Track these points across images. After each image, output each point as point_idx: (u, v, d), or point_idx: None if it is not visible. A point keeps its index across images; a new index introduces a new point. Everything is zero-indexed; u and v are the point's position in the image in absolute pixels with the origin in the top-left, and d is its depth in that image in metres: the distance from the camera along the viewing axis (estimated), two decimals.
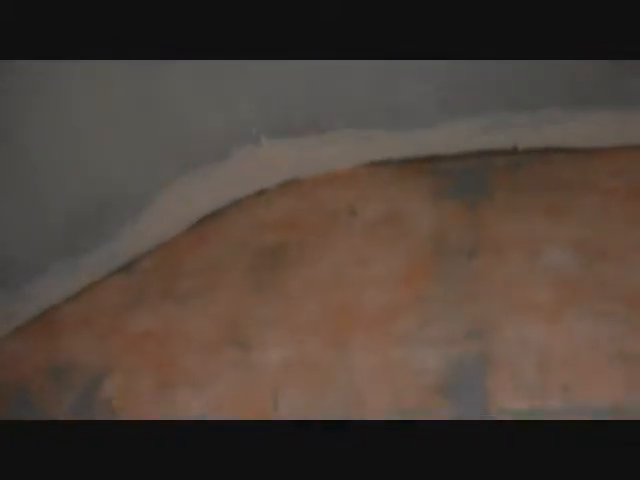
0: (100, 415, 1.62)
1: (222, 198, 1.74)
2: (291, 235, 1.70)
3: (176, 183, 1.65)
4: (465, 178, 1.66)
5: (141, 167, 1.60)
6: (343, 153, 1.69)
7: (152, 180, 1.63)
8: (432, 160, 1.69)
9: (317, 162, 1.71)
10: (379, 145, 1.65)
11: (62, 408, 1.66)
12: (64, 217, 1.63)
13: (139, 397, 1.61)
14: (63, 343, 1.74)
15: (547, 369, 1.43)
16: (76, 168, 1.57)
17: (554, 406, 1.40)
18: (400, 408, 1.47)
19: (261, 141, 1.63)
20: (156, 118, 1.55)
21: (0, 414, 1.69)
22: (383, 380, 1.50)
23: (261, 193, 1.75)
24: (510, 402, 1.42)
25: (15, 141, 1.49)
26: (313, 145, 1.68)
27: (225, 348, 1.61)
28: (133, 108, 1.52)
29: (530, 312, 1.49)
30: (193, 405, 1.57)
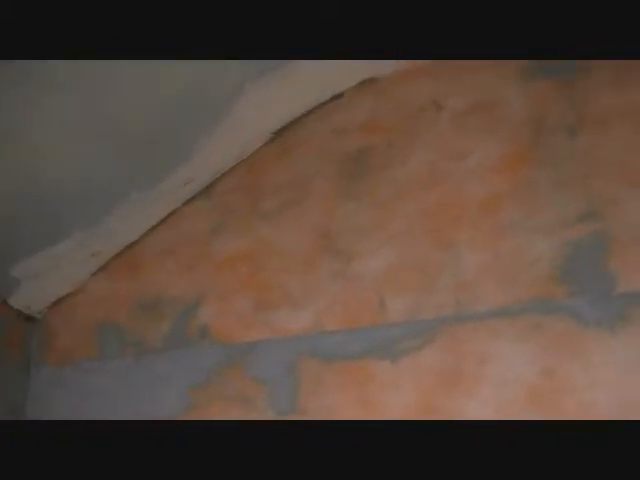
0: (196, 343, 1.57)
1: (300, 104, 1.64)
2: (375, 137, 1.61)
3: (250, 89, 1.55)
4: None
5: (215, 71, 1.51)
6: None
7: (227, 85, 1.54)
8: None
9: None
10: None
11: (156, 340, 1.62)
12: (138, 141, 1.55)
13: (237, 320, 1.56)
14: (150, 277, 1.69)
15: None
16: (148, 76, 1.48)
17: None
18: (516, 299, 1.39)
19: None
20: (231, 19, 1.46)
21: (94, 352, 1.66)
22: (495, 274, 1.42)
23: (339, 96, 1.66)
24: (637, 283, 1.34)
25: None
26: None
27: (322, 261, 1.55)
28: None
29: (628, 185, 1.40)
30: (296, 324, 1.52)
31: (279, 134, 1.68)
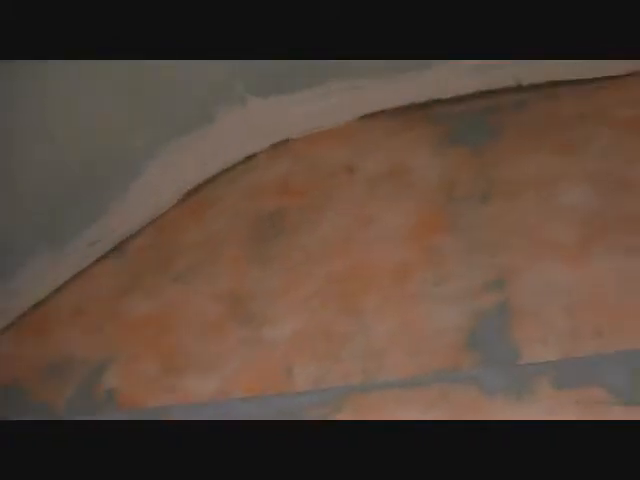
0: (102, 408, 1.53)
1: (212, 166, 1.63)
2: (288, 200, 1.60)
3: (161, 152, 1.54)
4: (467, 121, 1.56)
5: (126, 135, 1.49)
6: (333, 107, 1.58)
7: (137, 149, 1.53)
8: (429, 106, 1.59)
9: (307, 119, 1.61)
10: (373, 94, 1.55)
11: (61, 404, 1.57)
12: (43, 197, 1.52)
13: (144, 385, 1.53)
14: (58, 338, 1.64)
15: (576, 314, 1.35)
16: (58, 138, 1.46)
17: (587, 353, 1.32)
18: (423, 368, 1.39)
19: (247, 101, 1.52)
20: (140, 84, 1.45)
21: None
22: (402, 343, 1.42)
23: (252, 157, 1.65)
24: (540, 353, 1.34)
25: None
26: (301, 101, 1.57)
27: (231, 326, 1.52)
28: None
29: (552, 254, 1.41)
30: (203, 389, 1.49)
31: (191, 194, 1.67)
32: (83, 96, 1.43)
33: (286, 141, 1.64)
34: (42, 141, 1.44)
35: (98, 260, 1.66)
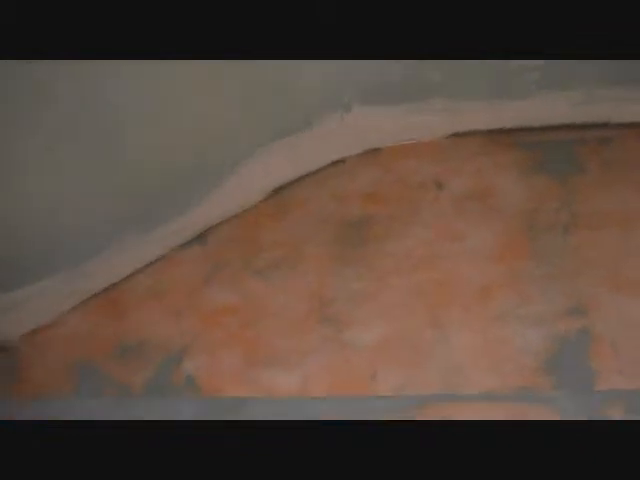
0: (182, 392, 1.58)
1: (302, 167, 1.67)
2: (375, 208, 1.65)
3: (260, 153, 1.59)
4: (555, 151, 1.63)
5: (227, 133, 1.53)
6: (428, 123, 1.64)
7: (238, 149, 1.57)
8: (519, 132, 1.65)
9: (401, 131, 1.66)
10: (470, 115, 1.60)
11: (139, 385, 1.61)
12: (140, 185, 1.55)
13: (225, 375, 1.57)
14: (133, 320, 1.68)
15: None
16: (157, 135, 1.49)
17: None
18: (501, 386, 1.46)
19: (352, 108, 1.57)
20: (244, 84, 1.48)
21: (69, 389, 1.64)
22: (482, 359, 1.49)
23: (341, 162, 1.70)
24: (615, 382, 1.42)
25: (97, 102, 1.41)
26: (397, 114, 1.62)
27: (313, 325, 1.58)
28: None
29: (632, 289, 1.48)
30: (284, 385, 1.54)
31: (278, 192, 1.71)
32: (194, 95, 1.46)
33: (377, 150, 1.70)
34: (151, 135, 1.48)
35: (181, 247, 1.70)
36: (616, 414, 1.39)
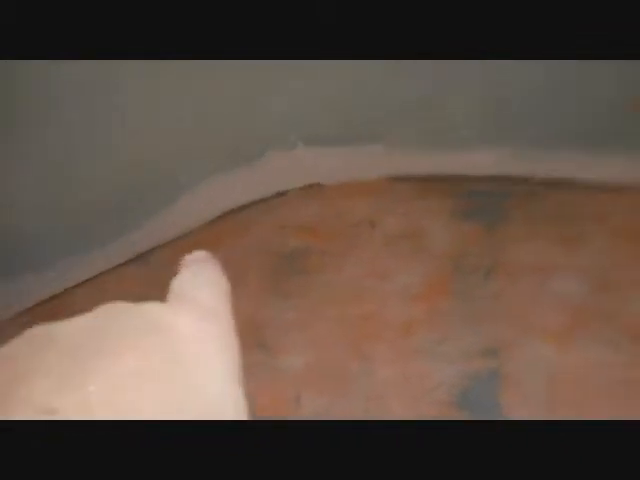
0: None
1: (247, 195, 1.76)
2: (312, 241, 1.75)
3: (204, 178, 1.67)
4: (484, 201, 1.75)
5: (175, 160, 1.61)
6: (367, 164, 1.74)
7: (182, 173, 1.65)
8: (454, 180, 1.77)
9: (341, 171, 1.76)
10: (407, 162, 1.72)
11: None
12: (91, 204, 1.63)
13: None
14: None
15: (555, 388, 1.55)
16: (110, 153, 1.57)
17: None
18: (420, 417, 1.56)
19: (297, 146, 1.67)
20: (199, 115, 1.57)
21: None
22: (403, 390, 1.59)
23: (283, 194, 1.79)
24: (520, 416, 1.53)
25: (50, 122, 1.48)
26: (341, 154, 1.72)
27: (246, 350, 1.65)
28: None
29: (542, 335, 1.60)
30: None
31: (221, 219, 1.80)
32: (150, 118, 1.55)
33: (320, 186, 1.80)
34: (102, 155, 1.55)
35: (122, 266, 1.77)
36: None
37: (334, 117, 1.63)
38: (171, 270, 1.77)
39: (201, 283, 0.87)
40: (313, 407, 1.59)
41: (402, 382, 1.59)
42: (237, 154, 1.67)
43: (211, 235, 1.79)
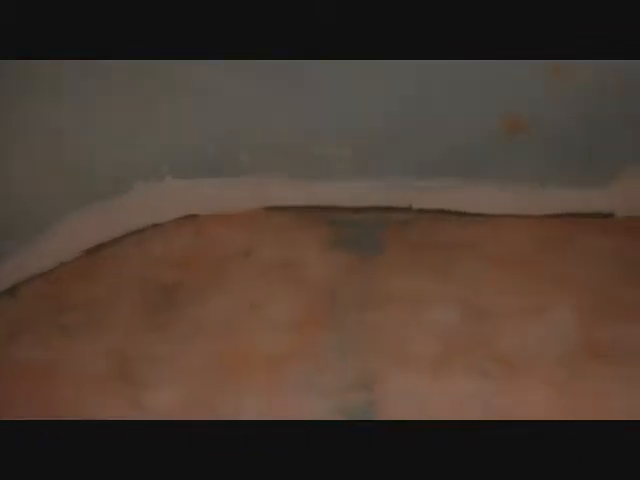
0: None
1: (117, 230, 1.72)
2: (186, 273, 1.71)
3: (75, 212, 1.63)
4: (359, 231, 1.74)
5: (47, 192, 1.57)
6: (242, 195, 1.72)
7: (53, 206, 1.61)
8: (330, 211, 1.75)
9: (216, 201, 1.74)
10: (280, 192, 1.70)
11: None
12: None
13: None
14: None
15: (429, 418, 1.52)
16: None
17: None
18: None
19: (165, 179, 1.64)
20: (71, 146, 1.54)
21: None
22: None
23: (158, 227, 1.76)
24: None
25: None
26: (215, 185, 1.70)
27: (115, 385, 1.60)
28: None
29: (415, 365, 1.58)
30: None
31: (93, 252, 1.75)
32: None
33: (194, 216, 1.77)
34: None
35: None
36: None
37: (206, 148, 1.61)
38: (39, 303, 1.73)
39: None
40: None
41: (273, 417, 1.55)
42: (107, 186, 1.63)
43: (82, 268, 1.73)
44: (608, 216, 1.80)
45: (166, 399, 1.57)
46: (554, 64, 1.47)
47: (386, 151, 1.63)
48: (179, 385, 1.59)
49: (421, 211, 1.74)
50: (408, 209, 1.74)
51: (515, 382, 1.54)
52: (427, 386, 1.57)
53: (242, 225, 1.75)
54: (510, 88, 1.51)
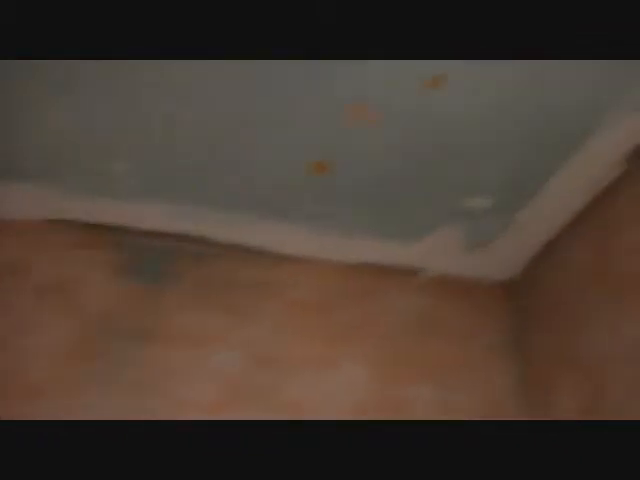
0: None
1: None
2: None
3: None
4: (149, 257, 1.59)
5: None
6: (25, 204, 1.54)
7: None
8: (118, 231, 1.60)
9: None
10: (66, 203, 1.53)
11: None
12: None
13: None
14: None
15: None
16: None
17: None
18: None
19: None
20: None
21: None
22: None
23: None
24: None
25: None
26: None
27: None
28: None
29: (193, 409, 1.46)
30: None
31: None
32: None
33: None
34: None
35: None
36: None
37: None
38: None
39: None
40: None
41: None
42: None
43: None
44: (415, 272, 1.76)
45: None
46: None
47: (186, 177, 1.49)
48: None
49: (220, 245, 1.63)
50: (206, 241, 1.62)
51: None
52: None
53: (19, 237, 1.57)
54: (321, 132, 1.41)
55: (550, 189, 1.54)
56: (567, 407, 1.47)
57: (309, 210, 1.56)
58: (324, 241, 1.64)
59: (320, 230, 1.61)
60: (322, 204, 1.55)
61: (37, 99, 1.33)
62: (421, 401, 1.57)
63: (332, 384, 1.55)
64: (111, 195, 1.52)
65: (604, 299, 1.48)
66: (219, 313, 1.57)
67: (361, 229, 1.62)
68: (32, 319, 1.51)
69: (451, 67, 1.27)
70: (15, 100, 1.33)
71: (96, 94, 1.31)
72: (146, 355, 1.49)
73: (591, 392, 1.41)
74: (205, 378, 1.51)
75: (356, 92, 1.31)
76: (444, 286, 1.74)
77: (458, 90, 1.31)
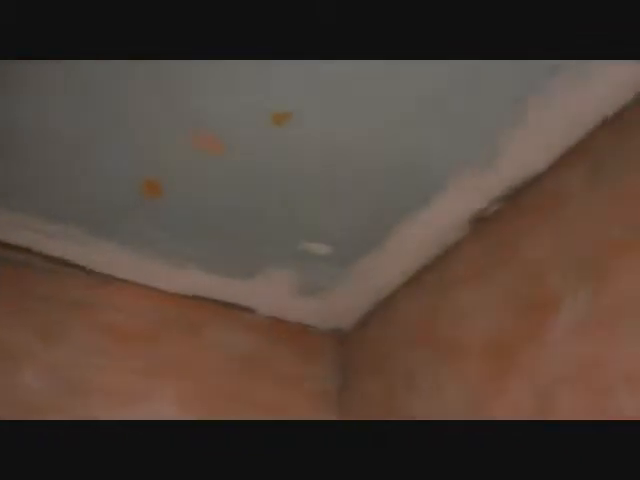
0: None
1: None
2: None
3: None
4: None
5: None
6: None
7: None
8: None
9: None
10: None
11: None
12: None
13: None
14: None
15: None
16: None
17: None
18: None
19: None
20: None
21: None
22: None
23: None
24: None
25: None
26: None
27: None
28: None
29: None
30: None
31: None
32: None
33: None
34: None
35: None
36: None
37: None
38: None
39: None
40: None
41: None
42: None
43: None
44: (247, 311, 1.72)
45: None
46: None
47: (19, 185, 1.40)
48: None
49: (45, 257, 1.53)
50: (29, 251, 1.52)
51: None
52: None
53: None
54: (161, 153, 1.35)
55: (391, 245, 1.54)
56: None
57: (142, 233, 1.49)
58: (155, 268, 1.58)
59: (152, 256, 1.55)
60: (156, 229, 1.49)
61: None
62: None
63: (136, 418, 1.49)
64: None
65: (428, 360, 1.48)
66: (29, 331, 1.47)
67: (195, 260, 1.57)
68: None
69: (300, 106, 1.26)
70: None
71: None
72: None
73: None
74: (6, 397, 1.41)
75: (202, 117, 1.28)
76: (275, 328, 1.70)
77: (307, 130, 1.29)
